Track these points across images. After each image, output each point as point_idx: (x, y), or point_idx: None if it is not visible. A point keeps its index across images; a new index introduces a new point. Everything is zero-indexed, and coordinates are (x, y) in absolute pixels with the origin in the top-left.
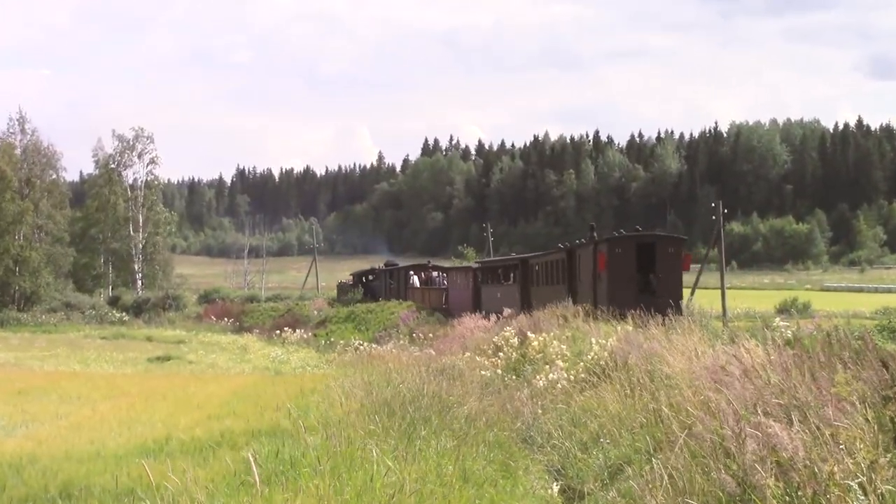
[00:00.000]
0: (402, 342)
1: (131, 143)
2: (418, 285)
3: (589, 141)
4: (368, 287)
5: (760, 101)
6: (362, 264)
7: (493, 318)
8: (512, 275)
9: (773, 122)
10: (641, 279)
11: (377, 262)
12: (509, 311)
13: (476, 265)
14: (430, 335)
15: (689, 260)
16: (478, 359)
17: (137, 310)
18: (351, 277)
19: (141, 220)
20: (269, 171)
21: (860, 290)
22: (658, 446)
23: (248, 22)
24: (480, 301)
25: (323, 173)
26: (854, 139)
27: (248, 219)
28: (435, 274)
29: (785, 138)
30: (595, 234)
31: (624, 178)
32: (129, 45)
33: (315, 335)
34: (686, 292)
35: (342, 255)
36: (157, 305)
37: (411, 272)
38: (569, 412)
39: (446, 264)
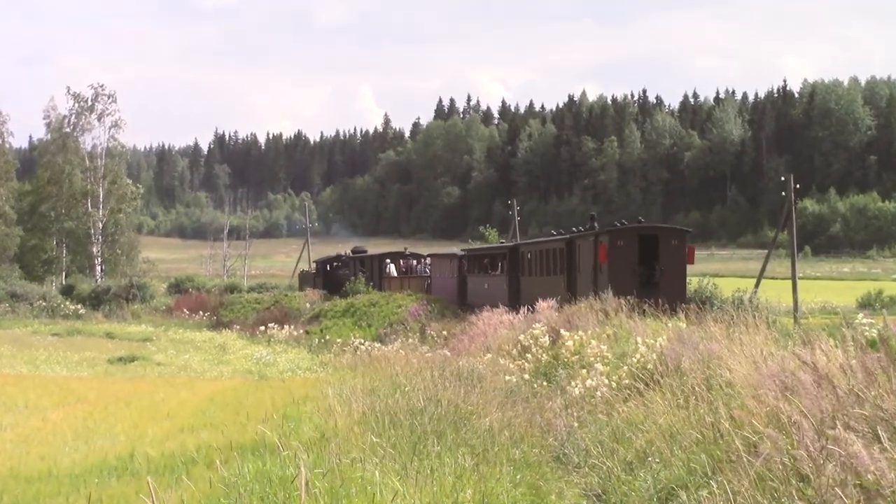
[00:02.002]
0: (411, 341)
1: (90, 102)
2: (396, 275)
3: (634, 102)
4: (332, 277)
5: (839, 56)
6: (369, 247)
7: (522, 311)
8: (500, 264)
9: (854, 80)
10: (644, 272)
11: (384, 245)
12: (549, 302)
13: (462, 252)
14: (445, 333)
15: (693, 253)
16: (501, 361)
17: (96, 301)
18: (314, 266)
19: (101, 195)
20: (254, 136)
21: None
22: (717, 467)
23: None
24: (466, 292)
25: (317, 139)
26: None
27: (228, 193)
28: (415, 262)
29: (868, 99)
30: (596, 224)
31: (676, 146)
32: None
33: (307, 332)
34: (741, 283)
35: (340, 236)
36: (119, 296)
37: (387, 260)
38: (610, 425)
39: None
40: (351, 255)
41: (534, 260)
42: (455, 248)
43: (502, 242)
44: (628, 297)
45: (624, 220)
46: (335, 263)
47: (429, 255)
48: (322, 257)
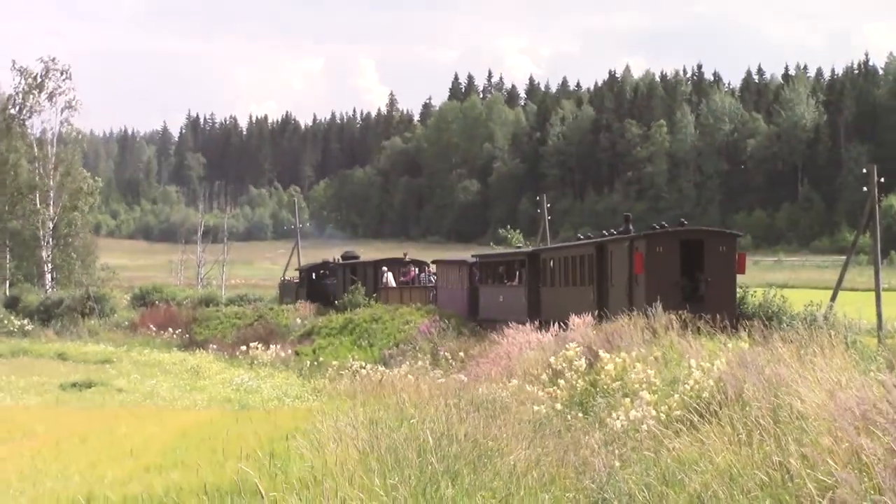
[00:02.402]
0: (420, 364)
1: (39, 79)
2: (394, 285)
3: (687, 80)
4: (318, 287)
5: None
6: (367, 252)
7: (551, 328)
8: (518, 273)
9: None
10: (687, 284)
11: (389, 250)
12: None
13: (473, 259)
14: (462, 354)
15: (744, 261)
16: (529, 388)
17: (46, 316)
18: (297, 274)
19: (52, 189)
20: (233, 120)
21: None
22: None
23: None
24: (478, 305)
25: (309, 123)
26: None
27: (202, 187)
28: (416, 270)
29: None
30: (631, 227)
31: (737, 132)
32: None
33: (297, 353)
34: (814, 295)
35: (337, 238)
36: (73, 309)
37: (384, 268)
38: (658, 465)
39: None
40: (340, 261)
41: (557, 268)
42: (471, 254)
43: (526, 246)
44: (677, 313)
45: (665, 222)
46: (322, 271)
47: (433, 262)
48: (307, 264)
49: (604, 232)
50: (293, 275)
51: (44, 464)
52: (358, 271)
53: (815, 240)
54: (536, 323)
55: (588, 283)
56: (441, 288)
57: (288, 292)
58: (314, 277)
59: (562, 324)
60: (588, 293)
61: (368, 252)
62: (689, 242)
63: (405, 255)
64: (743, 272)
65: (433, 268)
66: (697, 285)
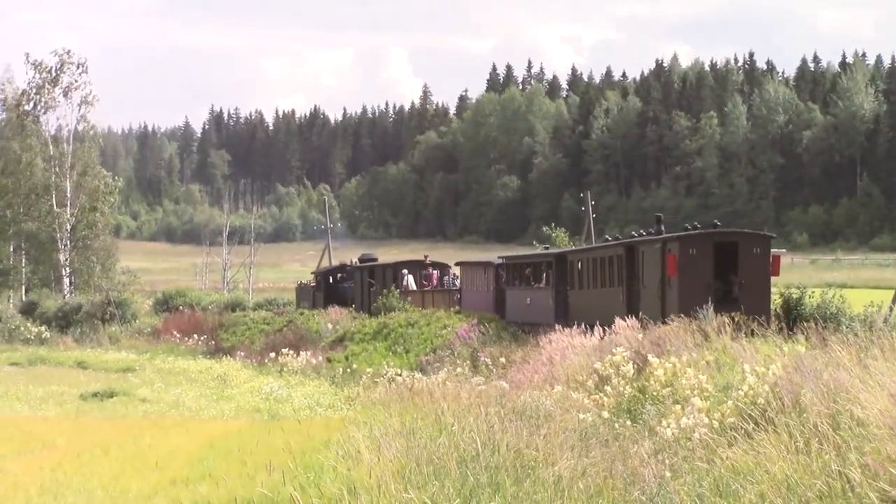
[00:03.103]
0: (459, 370)
1: (54, 73)
2: (414, 287)
3: (739, 69)
4: (335, 291)
5: None
6: (402, 254)
7: (594, 333)
8: (545, 274)
9: None
10: (721, 286)
11: (424, 250)
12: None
13: (500, 261)
14: (502, 360)
15: (779, 263)
16: (574, 395)
17: (64, 322)
18: (313, 278)
19: (69, 189)
20: (259, 114)
21: None
22: None
23: None
24: (504, 308)
25: (339, 118)
26: None
27: (227, 186)
28: (435, 272)
29: None
30: (663, 228)
31: (792, 124)
32: None
33: (329, 360)
34: (874, 295)
35: (369, 239)
36: (93, 316)
37: (404, 270)
38: (711, 475)
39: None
40: (358, 264)
41: (585, 270)
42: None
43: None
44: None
45: (717, 220)
46: (339, 275)
47: (457, 264)
48: (323, 267)
49: (633, 233)
50: (309, 278)
51: (65, 477)
52: (376, 274)
53: (875, 237)
54: (575, 326)
55: (618, 284)
56: (466, 291)
57: (304, 296)
58: (331, 281)
59: (601, 326)
60: (617, 295)
61: (407, 253)
62: (722, 244)
63: (426, 257)
64: (777, 274)
65: (456, 270)
66: (731, 287)
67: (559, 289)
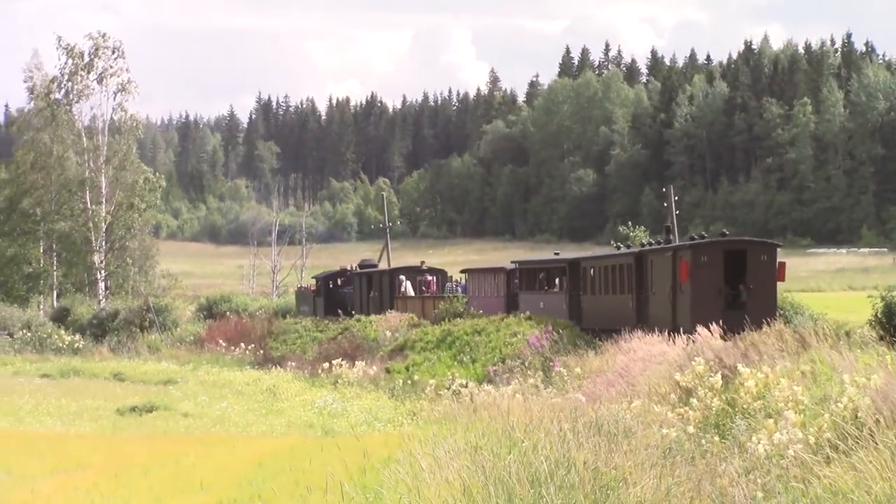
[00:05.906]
0: (531, 381)
1: (87, 58)
2: (412, 293)
3: (835, 51)
4: (335, 296)
5: None
6: (468, 255)
7: (679, 340)
8: (558, 280)
9: None
10: (729, 292)
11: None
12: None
13: (512, 266)
14: (578, 370)
15: (784, 269)
16: (656, 408)
17: (99, 330)
18: (314, 282)
19: (104, 185)
20: (310, 103)
21: None
22: None
23: None
24: (517, 311)
25: (397, 106)
26: None
27: (276, 181)
28: (433, 278)
29: None
30: (671, 237)
31: (894, 111)
32: None
33: (388, 370)
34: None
35: (432, 238)
36: (130, 323)
37: (401, 276)
38: (808, 496)
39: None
40: (358, 269)
41: (597, 276)
42: (583, 253)
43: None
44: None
45: (788, 221)
46: (339, 280)
47: (462, 272)
48: (323, 272)
49: (641, 243)
50: (310, 282)
51: (101, 498)
52: (374, 280)
53: None
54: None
55: (628, 291)
56: (474, 297)
57: (305, 300)
58: (331, 286)
59: (690, 333)
60: (627, 301)
61: (469, 254)
62: (732, 252)
63: (422, 263)
64: (783, 280)
65: (461, 277)
66: (739, 293)
67: (572, 294)
